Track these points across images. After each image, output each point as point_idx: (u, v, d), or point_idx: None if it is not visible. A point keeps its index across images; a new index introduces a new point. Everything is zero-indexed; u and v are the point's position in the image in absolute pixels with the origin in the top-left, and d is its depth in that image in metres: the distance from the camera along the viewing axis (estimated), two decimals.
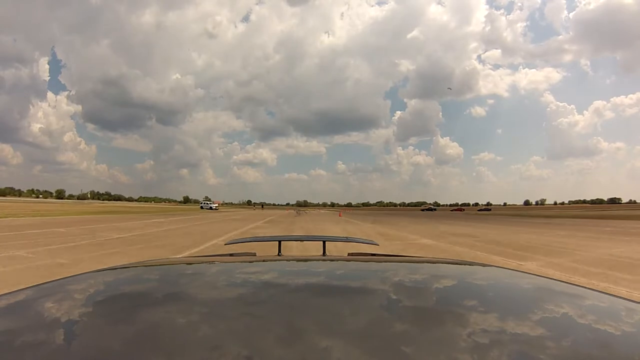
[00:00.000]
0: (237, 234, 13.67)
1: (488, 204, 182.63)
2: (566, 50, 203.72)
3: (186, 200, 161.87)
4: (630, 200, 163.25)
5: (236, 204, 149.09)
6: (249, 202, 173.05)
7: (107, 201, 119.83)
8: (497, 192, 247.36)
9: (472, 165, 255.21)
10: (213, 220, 24.43)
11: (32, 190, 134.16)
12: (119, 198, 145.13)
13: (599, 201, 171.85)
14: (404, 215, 40.18)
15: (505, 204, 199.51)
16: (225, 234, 13.48)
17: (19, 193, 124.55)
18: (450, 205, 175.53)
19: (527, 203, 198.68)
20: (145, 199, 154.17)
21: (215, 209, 62.00)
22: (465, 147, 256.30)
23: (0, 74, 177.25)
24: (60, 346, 0.47)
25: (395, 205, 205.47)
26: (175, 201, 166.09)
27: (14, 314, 0.59)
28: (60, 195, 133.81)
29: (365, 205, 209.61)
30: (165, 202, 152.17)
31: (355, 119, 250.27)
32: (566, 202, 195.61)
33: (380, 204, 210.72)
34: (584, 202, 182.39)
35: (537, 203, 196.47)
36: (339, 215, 36.36)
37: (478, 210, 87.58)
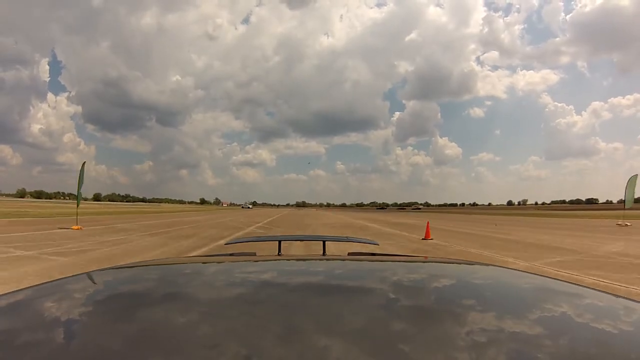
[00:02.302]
0: (283, 214, 39.02)
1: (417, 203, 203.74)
2: (563, 52, 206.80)
3: (203, 202, 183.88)
4: (607, 200, 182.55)
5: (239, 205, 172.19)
6: (254, 203, 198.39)
7: (140, 202, 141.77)
8: (497, 192, 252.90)
9: (470, 166, 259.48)
10: (264, 211, 51.65)
11: (58, 192, 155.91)
12: (143, 199, 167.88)
13: (577, 201, 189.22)
14: (366, 211, 69.50)
15: (489, 204, 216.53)
16: (278, 214, 39.40)
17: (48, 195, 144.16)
18: (438, 205, 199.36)
19: (510, 203, 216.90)
20: (159, 200, 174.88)
21: (251, 208, 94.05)
22: (464, 148, 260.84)
23: (1, 76, 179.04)
24: (61, 346, 0.48)
25: (387, 205, 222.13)
26: (183, 202, 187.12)
27: (15, 313, 0.60)
28: (97, 197, 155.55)
29: (359, 205, 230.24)
30: (177, 203, 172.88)
31: (354, 119, 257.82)
32: (548, 202, 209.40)
33: (373, 204, 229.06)
34: (564, 202, 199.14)
35: (519, 203, 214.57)
36: (316, 210, 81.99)
37: (412, 209, 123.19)
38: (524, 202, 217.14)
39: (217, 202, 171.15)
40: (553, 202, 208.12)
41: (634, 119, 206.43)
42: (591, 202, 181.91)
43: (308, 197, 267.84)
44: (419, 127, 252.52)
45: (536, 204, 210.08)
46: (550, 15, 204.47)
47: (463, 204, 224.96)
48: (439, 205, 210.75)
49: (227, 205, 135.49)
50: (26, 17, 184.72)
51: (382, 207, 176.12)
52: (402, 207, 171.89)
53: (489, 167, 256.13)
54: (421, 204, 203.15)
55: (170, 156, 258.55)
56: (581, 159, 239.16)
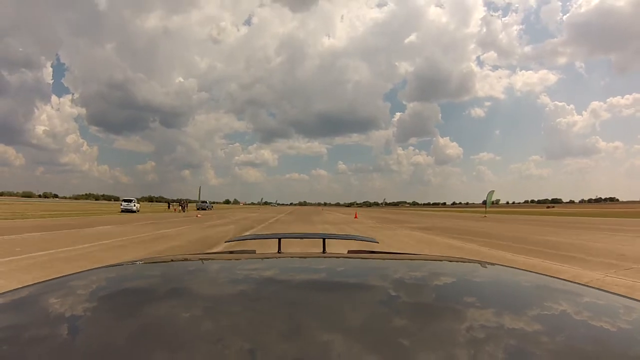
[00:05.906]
0: (295, 207, 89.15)
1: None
2: (561, 52, 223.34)
3: (227, 202, 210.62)
4: (570, 200, 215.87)
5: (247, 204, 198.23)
6: (265, 202, 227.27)
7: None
8: (497, 190, 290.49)
9: (471, 165, 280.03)
10: (284, 207, 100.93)
11: (93, 193, 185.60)
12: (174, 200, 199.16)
13: (544, 200, 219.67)
14: (343, 208, 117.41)
15: (467, 203, 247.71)
16: (294, 208, 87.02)
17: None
18: (424, 204, 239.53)
19: (484, 202, 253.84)
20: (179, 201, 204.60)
21: (277, 206, 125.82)
22: (464, 147, 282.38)
23: (6, 78, 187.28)
24: (65, 343, 0.50)
25: (378, 204, 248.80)
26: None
27: (18, 311, 0.62)
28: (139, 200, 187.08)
29: (350, 204, 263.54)
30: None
31: (355, 120, 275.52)
32: (519, 201, 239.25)
33: (366, 203, 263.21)
34: (533, 201, 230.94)
35: (493, 202, 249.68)
36: (312, 207, 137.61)
37: (374, 206, 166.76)
38: (497, 201, 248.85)
39: (236, 202, 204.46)
40: (525, 202, 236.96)
41: (633, 119, 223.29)
42: (555, 201, 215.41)
43: (309, 197, 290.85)
44: (420, 128, 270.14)
45: (507, 203, 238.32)
46: (548, 15, 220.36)
47: (444, 203, 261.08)
48: (425, 204, 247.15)
49: (243, 204, 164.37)
50: (31, 20, 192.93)
51: (349, 205, 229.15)
52: (390, 205, 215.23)
53: (489, 167, 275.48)
54: (408, 203, 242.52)
55: (173, 157, 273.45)
56: (581, 157, 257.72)
